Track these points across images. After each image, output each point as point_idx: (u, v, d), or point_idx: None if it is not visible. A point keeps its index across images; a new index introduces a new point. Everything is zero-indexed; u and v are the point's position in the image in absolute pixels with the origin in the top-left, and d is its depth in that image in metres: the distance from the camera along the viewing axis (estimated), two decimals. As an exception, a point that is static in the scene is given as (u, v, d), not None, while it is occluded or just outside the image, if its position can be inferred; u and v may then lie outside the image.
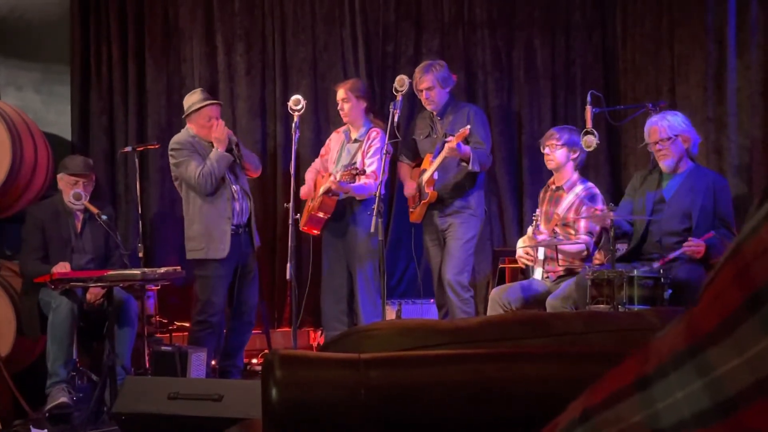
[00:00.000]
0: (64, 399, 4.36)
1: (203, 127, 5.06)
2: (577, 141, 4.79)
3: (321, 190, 5.17)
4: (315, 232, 5.32)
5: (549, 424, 0.72)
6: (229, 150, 5.03)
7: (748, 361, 0.51)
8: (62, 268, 4.62)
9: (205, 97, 5.14)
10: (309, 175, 5.51)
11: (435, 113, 5.24)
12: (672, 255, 4.28)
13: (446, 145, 4.86)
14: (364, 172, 4.88)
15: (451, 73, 5.24)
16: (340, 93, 5.32)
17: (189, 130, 5.15)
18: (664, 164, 4.51)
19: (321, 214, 5.20)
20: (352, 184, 4.98)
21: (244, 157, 5.11)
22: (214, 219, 4.99)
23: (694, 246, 4.21)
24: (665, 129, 4.46)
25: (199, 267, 5.00)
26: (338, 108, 5.40)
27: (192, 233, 5.08)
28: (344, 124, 5.47)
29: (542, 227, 4.89)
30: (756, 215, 0.55)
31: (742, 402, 0.52)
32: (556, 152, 4.86)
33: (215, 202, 5.00)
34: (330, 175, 5.23)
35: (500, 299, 4.69)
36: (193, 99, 5.15)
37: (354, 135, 5.35)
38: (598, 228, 4.76)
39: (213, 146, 5.03)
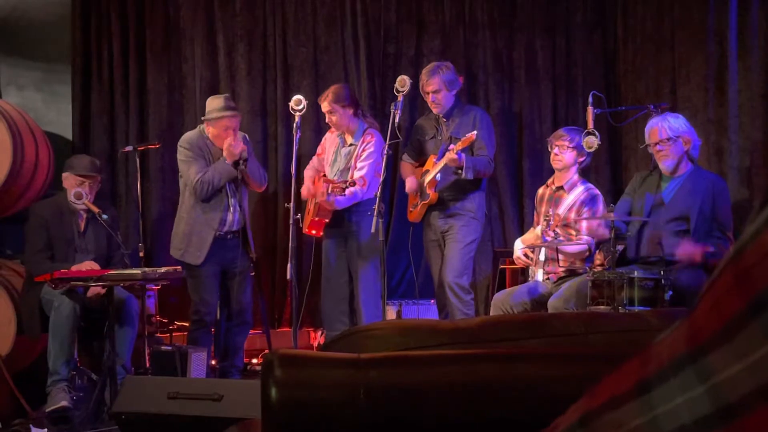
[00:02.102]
0: (64, 403, 4.35)
1: (219, 136, 5.04)
2: None
3: (317, 197, 5.17)
4: (318, 234, 5.31)
5: (548, 427, 0.72)
6: (236, 164, 5.02)
7: (750, 367, 0.51)
8: (89, 266, 4.63)
9: (226, 106, 5.05)
10: (308, 173, 5.50)
11: (441, 115, 5.22)
12: (672, 255, 4.28)
13: (446, 154, 4.85)
14: (354, 184, 4.86)
15: (457, 75, 5.23)
16: (324, 106, 5.24)
17: (203, 131, 5.14)
18: (664, 165, 4.49)
19: (320, 219, 5.20)
20: (338, 197, 4.98)
21: (249, 172, 5.05)
22: (200, 225, 5.02)
23: (690, 251, 4.20)
24: (665, 129, 4.45)
25: (186, 267, 5.00)
26: (327, 121, 5.36)
27: (177, 231, 5.15)
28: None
29: (549, 229, 4.88)
30: (757, 219, 0.54)
31: (744, 408, 0.51)
32: (565, 153, 4.85)
33: (206, 209, 5.02)
34: (324, 179, 5.22)
35: (502, 304, 4.67)
36: (214, 104, 5.08)
37: (349, 140, 5.32)
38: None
39: (223, 153, 5.02)
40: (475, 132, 4.83)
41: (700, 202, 4.38)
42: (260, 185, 5.27)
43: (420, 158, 5.40)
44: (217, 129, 5.02)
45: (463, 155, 4.87)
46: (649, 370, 0.59)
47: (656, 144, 4.47)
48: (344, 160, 5.29)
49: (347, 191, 4.88)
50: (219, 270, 5.08)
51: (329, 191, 4.93)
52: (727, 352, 0.53)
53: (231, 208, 5.05)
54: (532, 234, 4.98)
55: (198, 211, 5.03)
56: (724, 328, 0.53)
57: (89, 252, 4.89)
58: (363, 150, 5.19)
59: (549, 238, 4.75)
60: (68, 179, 4.94)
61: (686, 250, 4.22)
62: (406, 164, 5.46)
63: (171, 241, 5.19)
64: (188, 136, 5.18)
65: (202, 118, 5.14)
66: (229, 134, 5.00)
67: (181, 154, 5.10)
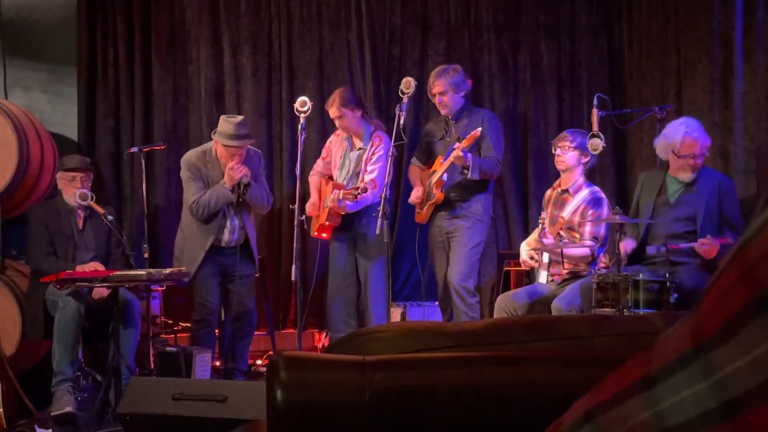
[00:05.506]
0: (69, 408, 4.35)
1: (225, 156, 5.04)
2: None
3: (327, 202, 5.18)
4: (326, 236, 5.32)
5: (553, 423, 0.72)
6: (236, 187, 5.01)
7: (754, 362, 0.51)
8: (94, 267, 4.65)
9: (236, 134, 4.96)
10: (313, 180, 5.48)
11: (450, 117, 5.23)
12: (683, 245, 4.26)
13: (452, 152, 4.86)
14: (365, 190, 4.87)
15: (466, 78, 5.23)
16: (333, 112, 5.23)
17: (209, 149, 5.12)
18: (691, 175, 4.47)
19: (330, 223, 5.22)
20: (349, 203, 4.99)
21: (252, 196, 5.06)
22: (192, 243, 5.10)
23: (708, 245, 4.18)
24: (703, 146, 4.44)
25: None
26: (337, 125, 5.34)
27: (177, 241, 5.27)
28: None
29: (547, 230, 4.88)
30: (762, 215, 0.54)
31: (748, 403, 0.52)
32: (567, 154, 4.84)
33: (202, 228, 5.08)
34: (334, 184, 5.23)
35: (506, 306, 4.67)
36: (226, 129, 4.99)
37: (357, 143, 5.32)
38: (603, 232, 4.75)
39: (224, 174, 5.02)
40: (480, 129, 4.85)
41: (706, 202, 4.38)
42: (263, 209, 5.30)
43: (429, 161, 5.40)
44: (226, 151, 5.03)
45: (469, 154, 4.89)
46: (655, 365, 0.59)
47: (691, 156, 4.43)
48: (354, 164, 5.29)
49: (359, 197, 4.90)
50: (217, 271, 5.12)
51: (341, 197, 4.94)
52: (732, 347, 0.53)
53: (228, 229, 5.09)
54: (534, 236, 4.98)
55: (194, 228, 5.10)
56: (729, 323, 0.53)
57: (89, 249, 4.92)
58: (373, 153, 5.19)
59: (546, 240, 4.75)
60: (61, 178, 4.99)
61: (704, 243, 4.20)
62: (415, 168, 5.45)
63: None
64: (189, 156, 5.19)
65: (213, 136, 5.11)
66: (235, 159, 5.00)
67: (182, 172, 5.17)
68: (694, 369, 0.55)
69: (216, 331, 5.25)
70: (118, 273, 4.38)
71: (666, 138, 4.53)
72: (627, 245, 4.49)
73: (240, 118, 5.10)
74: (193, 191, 5.04)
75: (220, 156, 5.06)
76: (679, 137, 4.46)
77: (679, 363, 0.57)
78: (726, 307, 0.54)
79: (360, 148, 5.29)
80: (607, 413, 0.62)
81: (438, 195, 5.11)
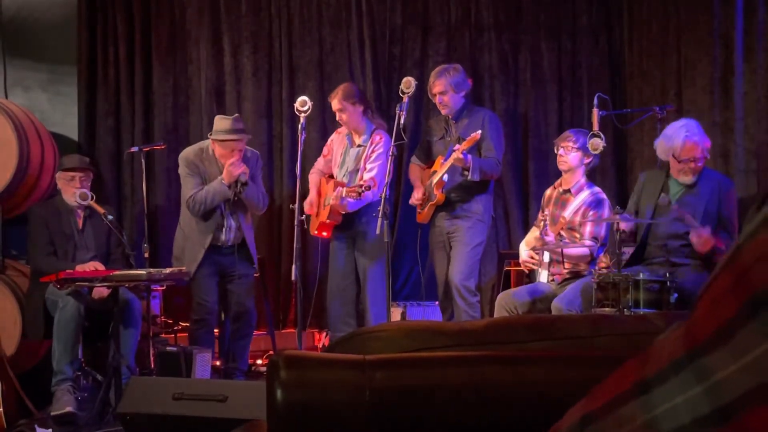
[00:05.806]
0: (69, 408, 4.35)
1: (223, 155, 5.04)
2: None
3: (328, 200, 5.18)
4: (327, 236, 5.32)
5: (549, 430, 0.72)
6: (233, 185, 5.02)
7: (748, 366, 0.51)
8: (94, 266, 4.65)
9: (233, 129, 4.99)
10: (313, 178, 5.48)
11: (450, 117, 5.23)
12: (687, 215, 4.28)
13: (452, 154, 4.86)
14: (369, 188, 4.87)
15: (466, 77, 5.23)
16: (335, 104, 5.23)
17: (206, 148, 5.14)
18: (692, 178, 4.46)
19: (332, 221, 5.22)
20: (351, 201, 4.99)
21: (248, 195, 5.06)
22: (192, 241, 5.11)
23: (704, 237, 4.18)
24: (703, 149, 4.43)
25: None
26: (337, 119, 5.34)
27: (176, 240, 5.28)
28: (347, 125, 5.45)
29: (548, 229, 4.88)
30: (754, 220, 0.54)
31: (742, 407, 0.51)
32: (570, 155, 4.84)
33: (201, 227, 5.08)
34: (336, 181, 5.23)
35: (506, 304, 4.67)
36: (222, 125, 5.02)
37: (357, 140, 5.32)
38: (603, 233, 4.74)
39: (221, 172, 5.02)
40: (479, 131, 4.84)
41: (706, 202, 4.38)
42: (259, 209, 5.29)
43: (429, 160, 5.39)
44: (223, 149, 5.03)
45: (469, 156, 4.88)
46: (649, 370, 0.59)
47: (691, 160, 4.43)
48: (353, 161, 5.29)
49: (363, 195, 4.89)
50: (216, 271, 5.13)
51: (344, 195, 4.94)
52: (725, 352, 0.53)
53: (225, 228, 5.09)
54: (533, 235, 4.98)
55: (193, 226, 5.11)
56: (722, 328, 0.54)
57: (89, 249, 4.92)
58: (372, 151, 5.19)
59: (547, 237, 4.74)
60: (60, 178, 4.99)
61: (701, 235, 4.20)
62: (415, 166, 5.45)
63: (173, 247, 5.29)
64: (186, 153, 5.20)
65: (209, 135, 5.13)
66: (235, 155, 5.00)
67: (180, 169, 5.19)
68: (688, 374, 0.55)
69: (216, 331, 5.25)
70: (118, 273, 4.38)
71: (666, 140, 4.51)
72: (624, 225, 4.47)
73: (235, 115, 5.16)
74: (191, 187, 5.05)
75: (219, 156, 5.07)
76: (679, 142, 4.43)
77: (673, 368, 0.57)
78: (719, 312, 0.54)
79: (359, 145, 5.30)
80: (602, 418, 0.62)
81: (439, 196, 5.11)
